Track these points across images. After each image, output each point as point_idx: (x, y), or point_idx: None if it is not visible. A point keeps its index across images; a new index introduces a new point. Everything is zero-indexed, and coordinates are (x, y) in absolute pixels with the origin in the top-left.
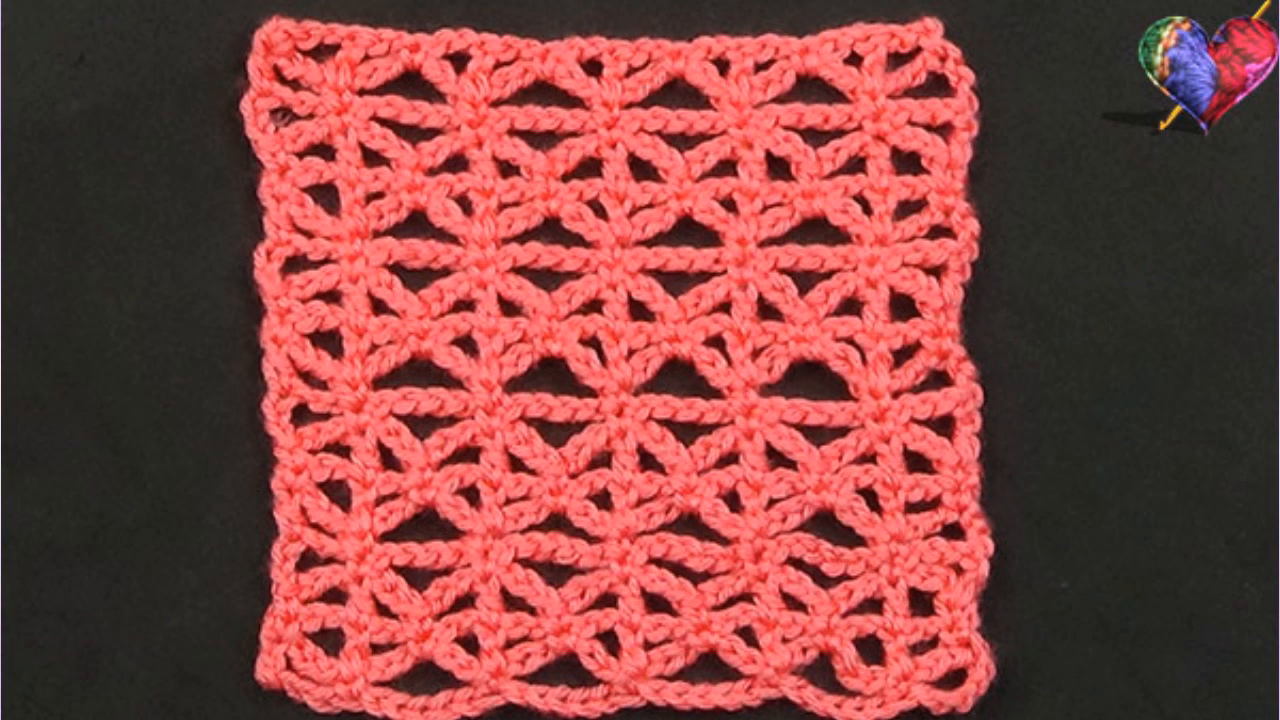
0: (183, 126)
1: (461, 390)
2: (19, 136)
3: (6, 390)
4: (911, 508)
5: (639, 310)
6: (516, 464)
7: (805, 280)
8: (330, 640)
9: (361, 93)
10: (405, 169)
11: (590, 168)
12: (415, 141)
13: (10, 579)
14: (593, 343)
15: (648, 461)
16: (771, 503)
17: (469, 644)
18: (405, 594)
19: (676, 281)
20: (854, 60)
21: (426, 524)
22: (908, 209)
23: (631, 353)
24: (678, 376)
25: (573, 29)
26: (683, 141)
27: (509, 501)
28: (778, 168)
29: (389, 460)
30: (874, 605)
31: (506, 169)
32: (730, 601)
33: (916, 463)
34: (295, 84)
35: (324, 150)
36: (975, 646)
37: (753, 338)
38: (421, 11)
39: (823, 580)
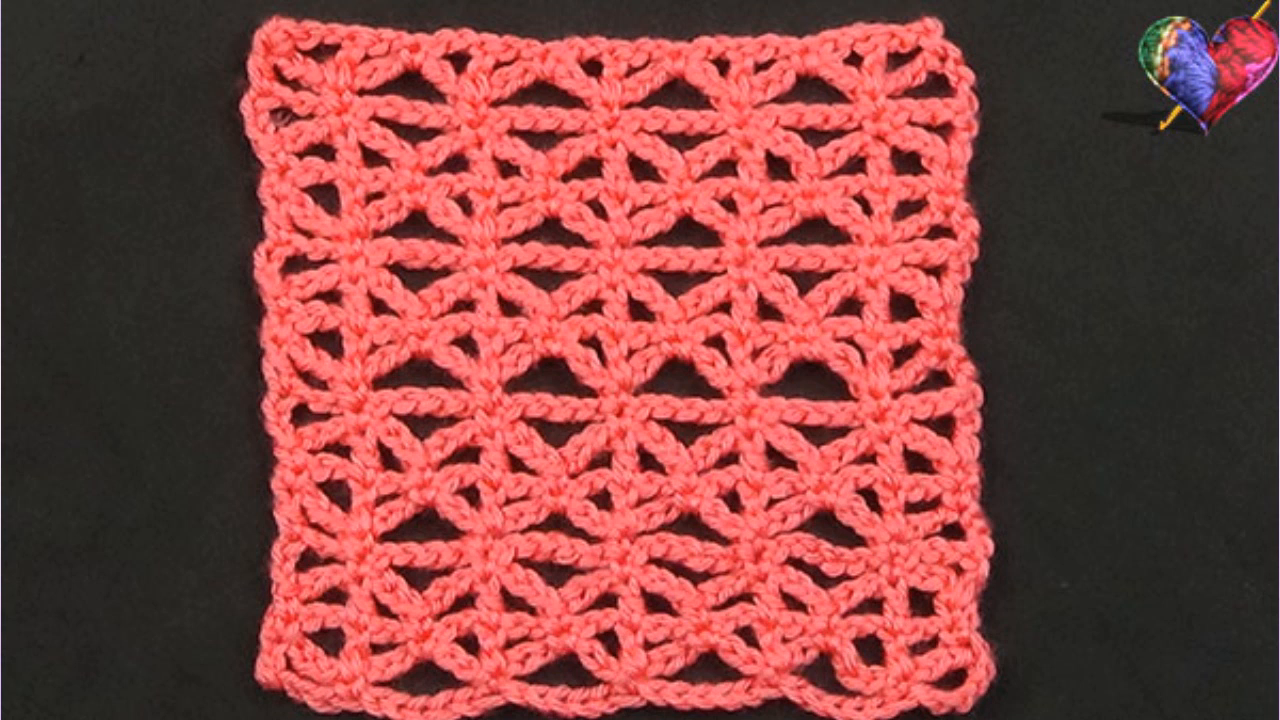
0: (183, 126)
1: (461, 390)
2: (19, 136)
3: (6, 390)
4: (911, 508)
5: (639, 310)
6: (516, 464)
7: (805, 280)
8: (330, 640)
9: (361, 93)
10: (405, 169)
11: (590, 168)
12: (415, 141)
13: (10, 579)
14: (593, 343)
15: (648, 461)
16: (771, 503)
17: (469, 644)
18: (405, 594)
19: (676, 281)
20: (854, 60)
21: (426, 524)
22: (908, 209)
23: (631, 353)
24: (678, 376)
25: (573, 29)
26: (683, 141)
27: (509, 501)
28: (778, 168)
29: (389, 460)
30: (874, 605)
31: (506, 169)
32: (730, 601)
33: (916, 463)
34: (295, 84)
35: (324, 150)
36: (975, 646)
37: (753, 338)
38: (421, 11)
39: (823, 580)
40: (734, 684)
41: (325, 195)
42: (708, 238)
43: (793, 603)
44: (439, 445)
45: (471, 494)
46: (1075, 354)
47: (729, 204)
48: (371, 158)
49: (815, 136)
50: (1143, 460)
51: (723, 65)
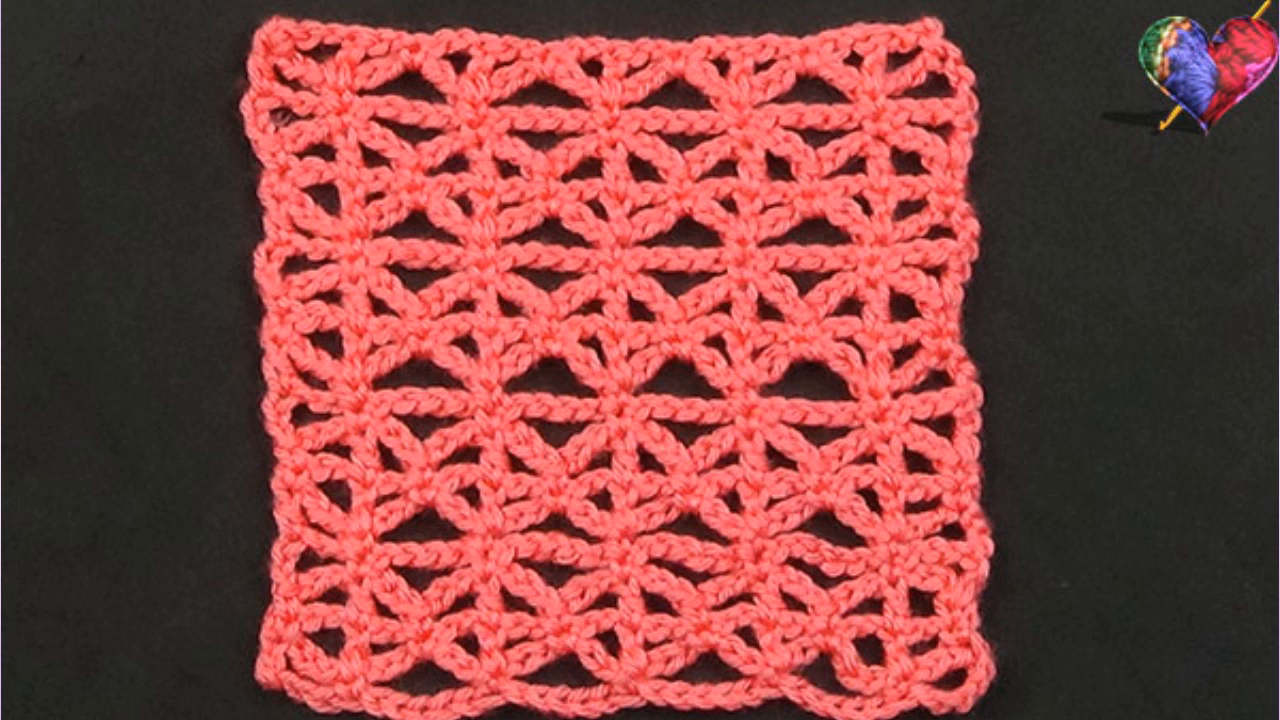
0: (183, 126)
1: (461, 390)
2: (19, 136)
3: (6, 390)
4: (911, 508)
5: (639, 310)
6: (516, 464)
7: (805, 280)
8: (330, 640)
9: (361, 93)
10: (405, 169)
11: (590, 168)
12: (415, 141)
13: (10, 579)
14: (593, 343)
15: (648, 461)
16: (771, 503)
17: (469, 644)
18: (405, 594)
19: (676, 281)
20: (854, 60)
21: (426, 524)
22: (908, 209)
23: (631, 353)
24: (678, 376)
25: (573, 29)
26: (683, 141)
27: (509, 501)
28: (778, 168)
29: (389, 460)
30: (874, 605)
31: (506, 169)
32: (730, 601)
33: (916, 463)
34: (295, 84)
35: (324, 150)
36: (975, 646)
37: (753, 338)
38: (421, 11)
39: (823, 580)
40: (734, 684)
41: (325, 195)
42: (708, 238)
43: (793, 603)
44: (439, 445)
45: (471, 494)
46: (1075, 354)
47: (729, 204)
48: (371, 158)
49: (815, 136)
50: (1143, 460)
51: (723, 65)
